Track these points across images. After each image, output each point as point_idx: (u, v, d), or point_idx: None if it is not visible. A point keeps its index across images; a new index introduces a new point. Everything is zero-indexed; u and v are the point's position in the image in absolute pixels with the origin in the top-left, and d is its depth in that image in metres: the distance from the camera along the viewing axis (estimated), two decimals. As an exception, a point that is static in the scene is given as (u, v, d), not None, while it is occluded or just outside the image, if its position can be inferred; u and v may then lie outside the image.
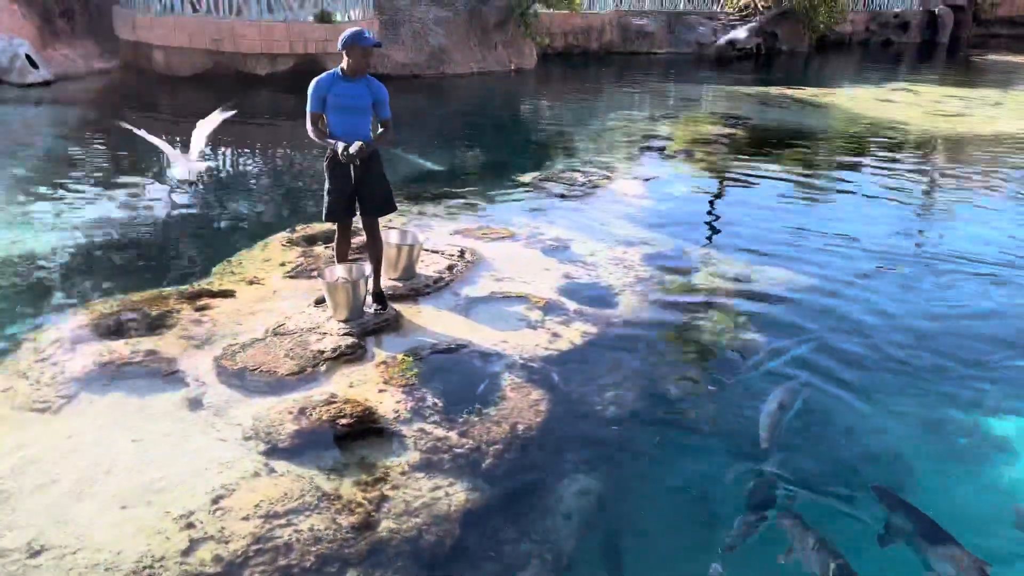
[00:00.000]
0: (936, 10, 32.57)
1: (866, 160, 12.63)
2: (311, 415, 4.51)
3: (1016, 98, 19.64)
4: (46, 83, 14.75)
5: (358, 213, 5.64)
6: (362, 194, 5.50)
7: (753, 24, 26.32)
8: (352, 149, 5.17)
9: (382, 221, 5.92)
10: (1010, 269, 7.80)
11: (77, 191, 9.10)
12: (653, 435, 4.82)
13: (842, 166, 12.43)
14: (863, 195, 10.54)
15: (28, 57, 14.68)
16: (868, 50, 30.26)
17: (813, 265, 7.57)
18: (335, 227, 5.79)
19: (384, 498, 3.98)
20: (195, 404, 4.65)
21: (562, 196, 9.57)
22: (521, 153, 12.58)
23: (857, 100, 18.30)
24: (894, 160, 12.63)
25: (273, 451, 4.24)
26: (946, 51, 31.12)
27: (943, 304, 6.91)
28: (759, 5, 26.89)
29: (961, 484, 4.54)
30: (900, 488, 4.35)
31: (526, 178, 10.28)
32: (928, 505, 4.11)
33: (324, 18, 15.94)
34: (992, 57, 28.81)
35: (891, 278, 7.46)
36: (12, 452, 4.12)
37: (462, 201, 9.18)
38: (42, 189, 9.10)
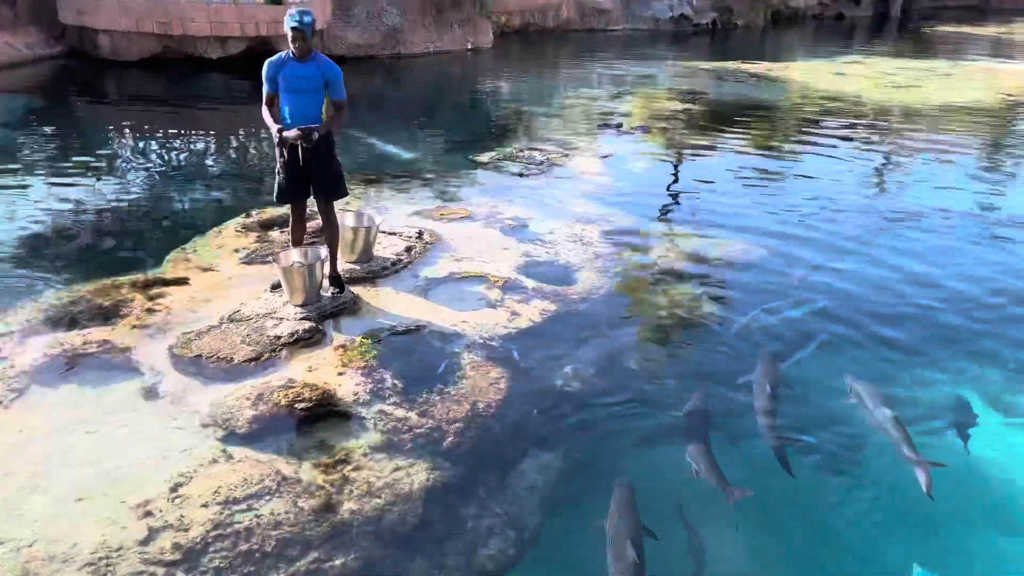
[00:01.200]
0: (887, -17, 33.02)
1: (822, 132, 12.80)
2: (269, 400, 4.48)
3: (965, 68, 20.03)
4: (-12, 71, 14.30)
5: (312, 196, 5.58)
6: (313, 177, 5.44)
7: (708, -1, 26.46)
8: (289, 135, 5.12)
9: (339, 204, 5.87)
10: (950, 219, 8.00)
11: (23, 182, 8.86)
12: (612, 409, 4.88)
13: (799, 139, 12.60)
14: (820, 166, 10.70)
15: (-33, 44, 14.21)
16: (822, 24, 30.61)
17: (770, 237, 7.68)
18: (290, 211, 5.73)
19: (345, 480, 3.98)
20: (151, 393, 4.59)
21: (520, 175, 9.57)
22: (479, 133, 12.53)
23: (812, 73, 18.52)
24: (849, 130, 12.82)
25: (231, 437, 4.21)
26: (897, 24, 31.60)
27: (899, 270, 7.07)
28: (714, -20, 26.99)
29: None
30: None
31: (484, 158, 10.25)
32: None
33: (275, 0, 15.65)
34: (942, 28, 29.35)
35: (849, 245, 7.60)
36: (-38, 448, 4.04)
37: (420, 182, 9.13)
38: (-14, 180, 8.85)
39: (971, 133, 13.08)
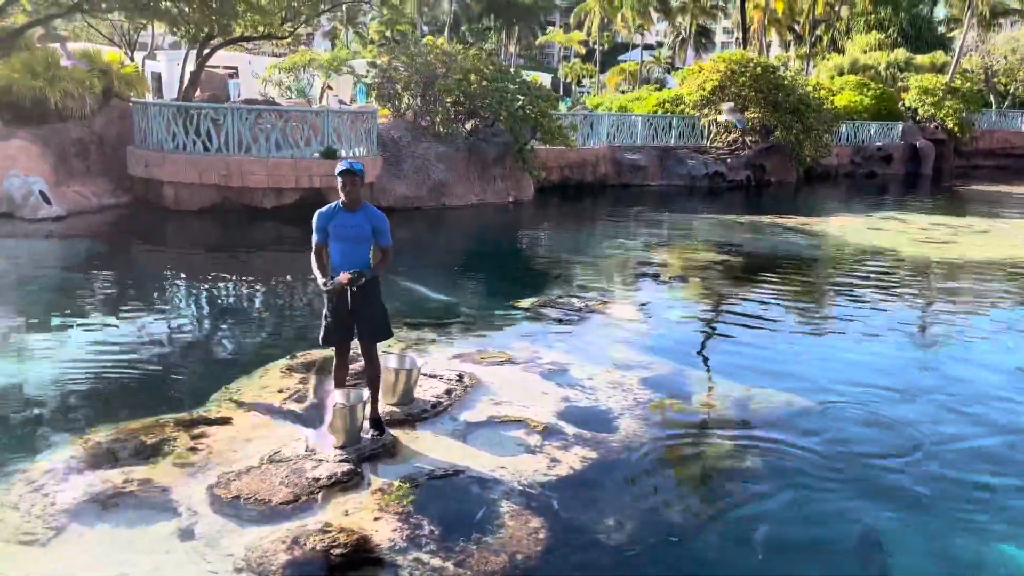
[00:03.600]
0: (917, 144, 34.01)
1: (860, 285, 12.84)
2: (305, 545, 4.40)
3: (1002, 224, 20.18)
4: (58, 218, 15.20)
5: (357, 338, 5.71)
6: (358, 319, 5.59)
7: (743, 157, 27.42)
8: (340, 280, 5.33)
9: (381, 346, 5.98)
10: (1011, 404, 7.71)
11: (78, 322, 9.20)
12: (657, 565, 4.68)
13: (837, 291, 12.64)
14: (859, 319, 10.66)
15: (42, 194, 15.20)
16: (854, 181, 31.37)
17: (812, 390, 7.55)
18: (335, 353, 5.84)
19: (378, 632, 3.83)
20: (186, 534, 4.54)
21: (559, 321, 9.68)
22: (519, 281, 12.81)
23: (847, 228, 18.80)
24: (887, 285, 12.84)
25: (264, 583, 4.11)
26: (930, 182, 32.25)
27: (940, 436, 6.82)
28: (747, 140, 28.08)
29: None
30: None
31: (524, 304, 10.43)
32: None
33: (329, 154, 16.64)
34: (975, 187, 29.83)
35: (891, 405, 7.42)
36: (-5, 586, 4.00)
37: (461, 327, 9.28)
38: (43, 320, 9.21)
39: (1013, 288, 13.00)
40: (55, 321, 9.14)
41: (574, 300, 10.77)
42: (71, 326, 9.00)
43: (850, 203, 24.77)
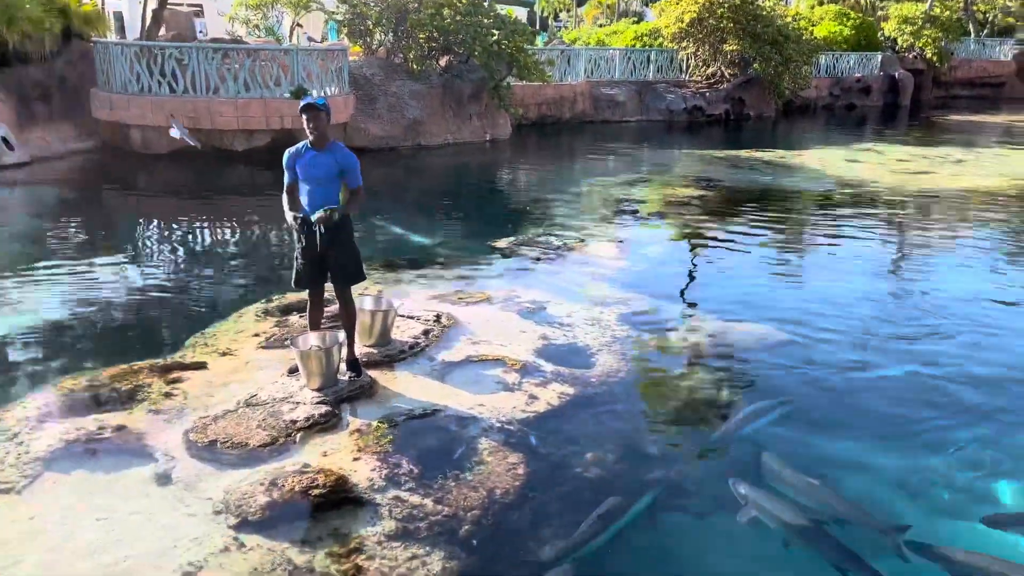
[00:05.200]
0: (896, 74, 33.77)
1: (838, 217, 12.86)
2: (283, 486, 4.40)
3: (978, 155, 20.20)
4: (22, 164, 14.79)
5: (330, 281, 5.63)
6: (330, 262, 5.50)
7: (721, 91, 27.13)
8: (315, 216, 5.22)
9: (358, 288, 5.91)
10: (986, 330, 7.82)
11: (49, 270, 9.02)
12: (635, 496, 4.74)
13: (815, 223, 12.67)
14: (837, 252, 10.71)
15: (4, 140, 14.76)
16: (833, 114, 31.19)
17: (789, 322, 7.60)
18: (308, 296, 5.77)
19: (358, 570, 3.86)
20: (164, 479, 4.53)
21: (538, 260, 9.63)
22: (497, 220, 12.71)
23: (825, 161, 18.75)
24: (866, 216, 12.88)
25: (244, 524, 4.12)
26: (908, 113, 32.14)
27: (918, 361, 6.92)
28: (726, 73, 27.74)
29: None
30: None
31: (502, 243, 10.36)
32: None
33: (299, 94, 16.22)
34: (953, 117, 29.79)
35: (869, 335, 7.49)
36: (-29, 535, 3.97)
37: (439, 267, 9.21)
38: (13, 269, 9.02)
39: (989, 218, 13.09)
40: (24, 269, 8.96)
41: (552, 239, 10.71)
42: (41, 275, 8.83)
43: (829, 135, 24.66)
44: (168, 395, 5.50)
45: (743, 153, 19.54)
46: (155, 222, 11.78)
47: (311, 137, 5.31)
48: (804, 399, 6.02)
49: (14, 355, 6.53)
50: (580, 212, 13.02)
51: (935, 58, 34.97)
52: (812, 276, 9.55)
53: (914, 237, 11.79)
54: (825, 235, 11.69)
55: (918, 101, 34.80)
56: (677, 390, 6.15)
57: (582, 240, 10.75)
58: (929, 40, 34.47)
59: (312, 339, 5.61)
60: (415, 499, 4.41)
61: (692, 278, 9.46)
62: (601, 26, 39.61)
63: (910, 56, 35.39)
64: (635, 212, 12.88)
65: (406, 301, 7.46)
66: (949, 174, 17.00)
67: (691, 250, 10.92)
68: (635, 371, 6.36)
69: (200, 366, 6.02)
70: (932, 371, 6.60)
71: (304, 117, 5.24)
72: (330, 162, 5.33)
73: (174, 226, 11.45)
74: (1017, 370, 6.69)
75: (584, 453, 5.05)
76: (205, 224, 11.66)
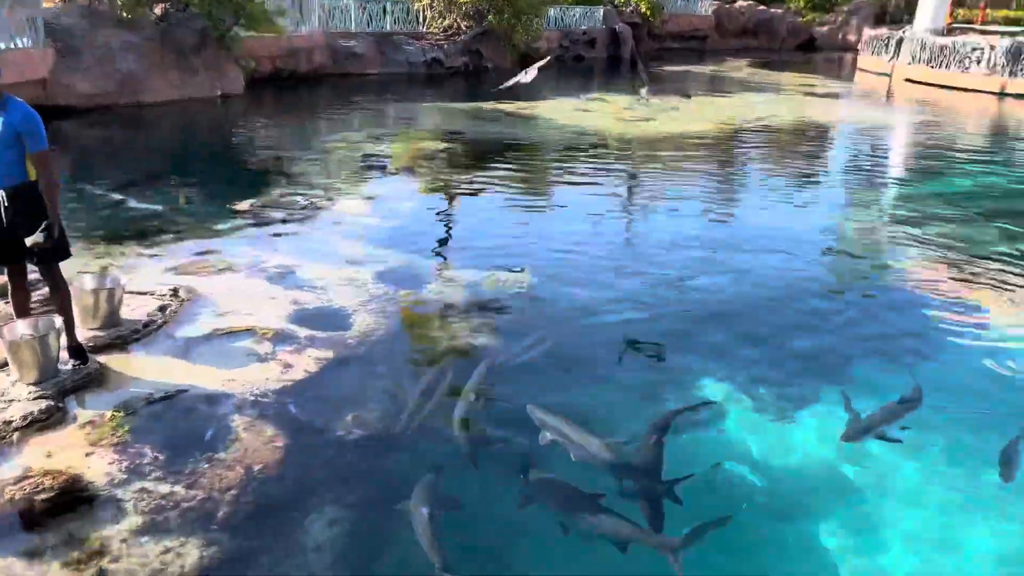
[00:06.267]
0: (616, 27, 36.21)
1: (576, 163, 13.63)
2: (2, 496, 3.85)
3: (687, 103, 22.32)
4: None
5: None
6: (20, 240, 4.75)
7: (459, 43, 27.44)
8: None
9: (73, 265, 5.25)
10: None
11: None
12: (400, 452, 4.74)
13: (553, 171, 13.32)
14: (576, 196, 11.35)
15: None
16: (564, 65, 32.80)
17: (541, 268, 7.94)
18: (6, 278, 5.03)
19: (102, 574, 3.50)
20: None
21: (283, 221, 9.20)
22: (235, 181, 11.93)
23: (558, 111, 19.71)
24: (600, 161, 13.77)
25: (-48, 549, 3.56)
26: (629, 64, 34.67)
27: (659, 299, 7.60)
28: (462, 25, 28.04)
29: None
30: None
31: (243, 206, 9.75)
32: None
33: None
34: (667, 68, 32.58)
35: (614, 272, 8.06)
36: None
37: (172, 236, 8.47)
38: None
39: (702, 159, 14.60)
40: None
41: (298, 198, 10.28)
42: None
43: (560, 86, 25.93)
44: None
45: (485, 105, 19.97)
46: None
47: None
48: (557, 336, 6.38)
49: None
50: (326, 170, 12.61)
51: (649, 12, 37.93)
52: (557, 222, 10.04)
53: (644, 182, 12.82)
54: (565, 182, 12.34)
55: (636, 53, 37.60)
56: (437, 341, 6.22)
57: (330, 199, 10.43)
58: (643, -6, 37.31)
59: (21, 327, 4.92)
60: (163, 488, 4.07)
61: (446, 231, 9.56)
62: (333, -25, 38.11)
63: (628, 10, 38.04)
64: (383, 167, 12.72)
65: (135, 276, 6.79)
66: (669, 119, 18.63)
67: (443, 203, 11.03)
68: (394, 328, 6.33)
69: None
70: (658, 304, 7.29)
71: None
72: (3, 123, 4.53)
73: None
74: (736, 302, 7.55)
75: (345, 416, 4.95)
76: None
